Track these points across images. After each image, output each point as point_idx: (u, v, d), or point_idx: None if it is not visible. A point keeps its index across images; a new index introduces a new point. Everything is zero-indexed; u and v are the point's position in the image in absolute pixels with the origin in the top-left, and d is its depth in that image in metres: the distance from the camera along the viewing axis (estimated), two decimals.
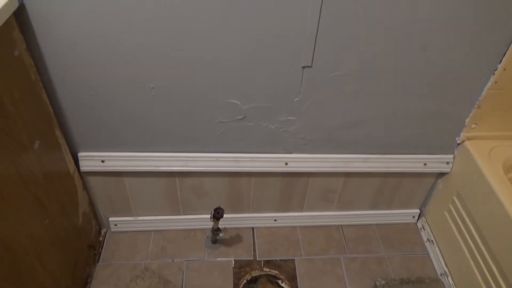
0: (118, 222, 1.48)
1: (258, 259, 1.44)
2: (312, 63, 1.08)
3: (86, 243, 1.36)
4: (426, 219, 1.58)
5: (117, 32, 0.97)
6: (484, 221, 1.22)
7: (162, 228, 1.51)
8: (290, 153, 1.32)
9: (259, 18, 0.99)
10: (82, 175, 1.30)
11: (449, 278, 1.38)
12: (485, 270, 1.20)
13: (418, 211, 1.60)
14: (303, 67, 1.09)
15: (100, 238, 1.48)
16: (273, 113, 1.21)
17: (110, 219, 1.47)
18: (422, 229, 1.58)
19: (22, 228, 0.94)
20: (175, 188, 1.39)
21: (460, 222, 1.34)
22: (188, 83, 1.10)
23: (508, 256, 1.11)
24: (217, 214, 1.28)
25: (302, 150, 1.32)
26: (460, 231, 1.34)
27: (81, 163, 1.26)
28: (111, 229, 1.50)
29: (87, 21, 0.95)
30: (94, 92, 1.10)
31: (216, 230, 1.37)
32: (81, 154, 1.25)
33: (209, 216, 1.35)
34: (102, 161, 1.26)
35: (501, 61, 1.12)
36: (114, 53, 1.02)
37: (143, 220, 1.48)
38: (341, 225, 1.58)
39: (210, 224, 1.39)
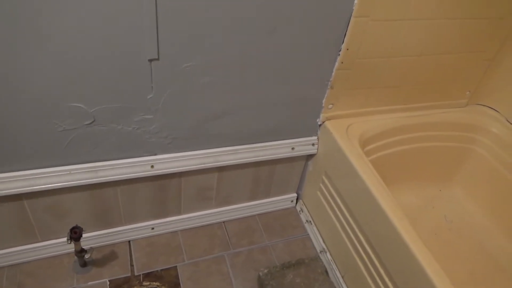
0: None
1: (136, 274, 1.33)
2: (158, 56, 1.01)
3: None
4: (303, 201, 1.63)
5: None
6: (349, 195, 1.29)
7: (18, 261, 1.29)
8: (155, 154, 1.23)
9: (92, 8, 0.88)
10: None
11: (328, 254, 1.44)
12: (355, 241, 1.27)
13: (295, 195, 1.64)
14: (150, 60, 1.01)
15: None
16: (127, 113, 1.10)
17: None
18: (301, 212, 1.63)
19: None
20: (26, 212, 1.19)
21: (330, 200, 1.40)
22: (13, 87, 0.93)
23: (371, 225, 1.18)
24: (75, 235, 1.13)
25: (168, 149, 1.24)
26: (331, 208, 1.40)
27: None
28: None
29: None
30: None
31: (80, 252, 1.21)
32: None
33: None
34: None
35: (343, 42, 1.18)
36: None
37: None
38: (224, 221, 1.55)
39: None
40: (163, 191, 1.35)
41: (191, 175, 1.34)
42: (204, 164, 1.30)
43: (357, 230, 1.25)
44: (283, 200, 1.63)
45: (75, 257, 1.28)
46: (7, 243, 1.25)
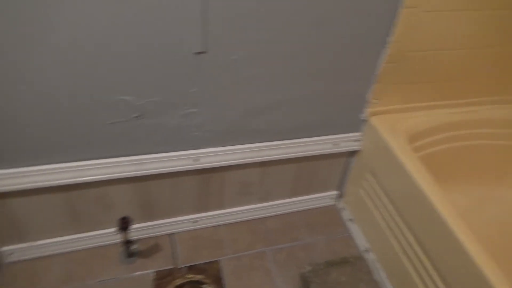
0: (14, 251, 1.29)
1: (180, 266, 1.34)
2: (206, 48, 1.01)
3: None
4: (345, 199, 1.60)
5: None
6: (396, 193, 1.25)
7: (68, 250, 1.34)
8: (199, 148, 1.24)
9: (140, 3, 0.89)
10: None
11: (371, 253, 1.40)
12: (402, 240, 1.22)
13: (337, 192, 1.61)
14: (197, 53, 1.02)
15: None
16: (173, 106, 1.11)
17: (3, 248, 1.28)
18: (343, 210, 1.59)
19: None
20: (75, 203, 1.24)
21: (375, 198, 1.36)
22: (67, 81, 0.97)
23: (422, 225, 1.13)
24: (124, 225, 1.16)
25: (212, 143, 1.24)
26: (376, 206, 1.36)
27: None
28: (7, 260, 1.30)
29: None
30: None
31: (127, 243, 1.24)
32: None
33: None
34: None
35: (391, 34, 1.14)
36: None
37: (42, 244, 1.30)
38: (265, 217, 1.54)
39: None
40: (206, 185, 1.36)
41: (234, 169, 1.34)
42: (247, 158, 1.30)
43: (405, 230, 1.20)
44: (324, 197, 1.60)
45: (121, 248, 1.31)
46: (58, 232, 1.30)
